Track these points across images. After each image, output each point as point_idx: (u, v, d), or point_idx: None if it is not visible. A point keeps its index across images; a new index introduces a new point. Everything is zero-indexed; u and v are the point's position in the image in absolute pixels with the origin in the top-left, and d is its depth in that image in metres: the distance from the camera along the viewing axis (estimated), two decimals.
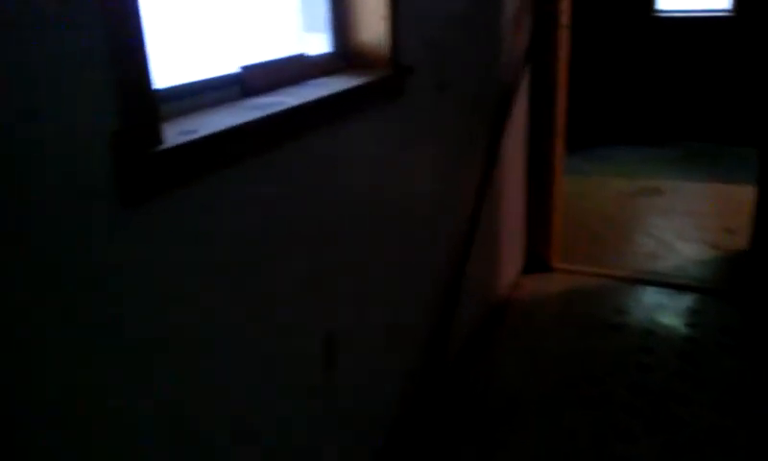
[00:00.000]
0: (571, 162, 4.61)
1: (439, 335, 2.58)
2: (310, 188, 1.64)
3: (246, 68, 1.55)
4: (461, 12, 2.50)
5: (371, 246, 1.99)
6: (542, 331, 3.18)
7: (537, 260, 3.77)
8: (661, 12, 6.15)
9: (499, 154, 3.01)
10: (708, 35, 6.00)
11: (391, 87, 1.99)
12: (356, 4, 1.91)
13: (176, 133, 1.19)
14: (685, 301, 3.39)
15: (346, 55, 1.96)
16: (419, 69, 2.12)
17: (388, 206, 2.08)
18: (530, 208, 3.70)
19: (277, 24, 1.81)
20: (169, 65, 1.33)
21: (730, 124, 6.05)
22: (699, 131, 6.19)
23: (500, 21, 2.92)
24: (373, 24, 1.92)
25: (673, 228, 4.34)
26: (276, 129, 1.46)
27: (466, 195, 2.75)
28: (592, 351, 2.97)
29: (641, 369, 2.83)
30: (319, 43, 1.92)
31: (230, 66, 1.53)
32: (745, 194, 4.78)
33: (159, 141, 1.12)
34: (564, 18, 3.37)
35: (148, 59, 1.08)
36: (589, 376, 2.80)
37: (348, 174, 1.82)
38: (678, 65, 6.14)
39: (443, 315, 2.60)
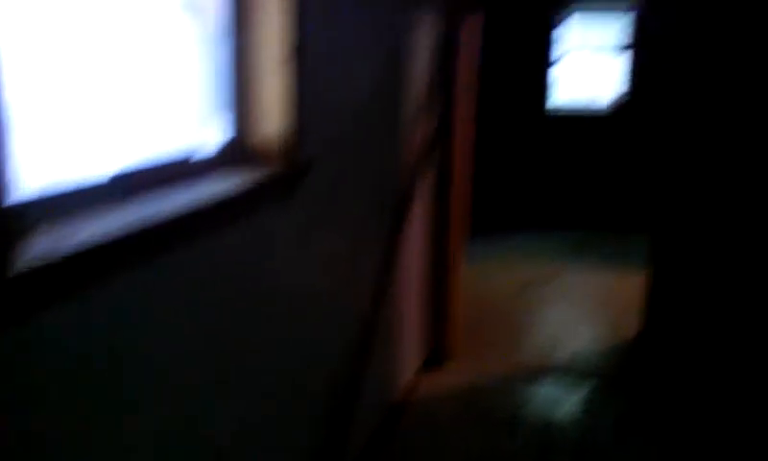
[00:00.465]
0: (473, 249, 4.66)
1: (333, 446, 2.43)
2: (192, 299, 1.49)
3: (128, 168, 1.42)
4: (364, 108, 2.46)
5: (257, 357, 1.84)
6: (441, 432, 3.09)
7: (437, 354, 3.71)
8: (554, 109, 6.52)
9: (400, 248, 2.97)
10: (595, 130, 6.42)
11: (290, 184, 1.90)
12: (257, 97, 1.83)
13: (36, 250, 1.03)
14: (582, 391, 3.42)
15: (244, 148, 1.86)
16: (320, 165, 2.05)
17: (277, 314, 1.95)
18: (430, 301, 3.66)
19: (173, 115, 1.69)
20: (40, 168, 1.18)
21: (621, 212, 6.41)
22: (593, 218, 6.51)
23: (403, 116, 2.92)
24: (274, 118, 1.83)
25: (570, 315, 4.43)
26: (158, 237, 1.32)
27: (365, 292, 2.67)
28: (491, 453, 2.89)
29: None
30: (216, 135, 1.81)
31: (112, 165, 1.38)
32: (636, 280, 4.98)
33: (12, 264, 0.96)
34: (467, 112, 3.43)
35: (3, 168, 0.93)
36: None
37: (240, 279, 1.69)
38: (571, 157, 6.51)
39: (337, 422, 2.46)
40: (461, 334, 3.82)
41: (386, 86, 2.70)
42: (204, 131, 1.77)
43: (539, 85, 6.49)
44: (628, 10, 6.17)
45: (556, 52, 6.43)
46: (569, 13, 6.38)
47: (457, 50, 3.31)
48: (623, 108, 6.33)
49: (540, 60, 6.44)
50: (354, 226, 2.51)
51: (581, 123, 6.49)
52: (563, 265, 5.49)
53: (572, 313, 4.50)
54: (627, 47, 6.27)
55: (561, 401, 3.33)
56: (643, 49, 6.17)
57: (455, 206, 3.53)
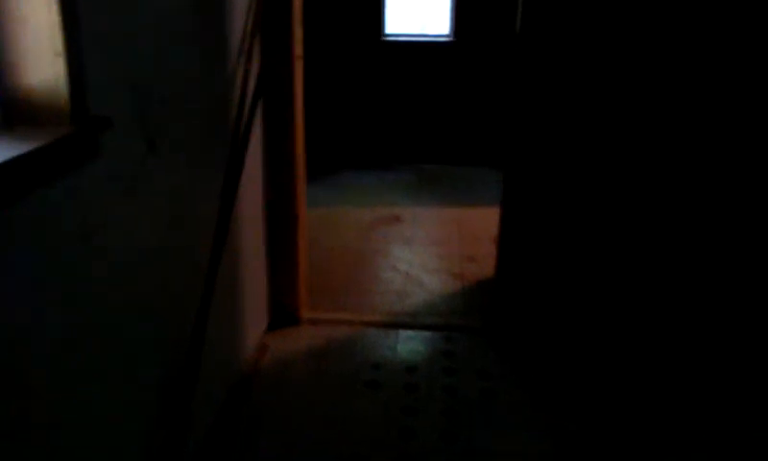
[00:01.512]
0: (310, 192, 4.32)
1: (175, 424, 2.06)
2: None
3: None
4: (177, 45, 2.00)
5: (75, 353, 1.43)
6: (296, 398, 2.79)
7: (284, 313, 3.40)
8: (389, 36, 6.18)
9: (235, 201, 2.57)
10: (432, 59, 6.17)
11: (78, 149, 1.45)
12: (14, 35, 1.33)
13: None
14: (439, 343, 3.27)
15: (4, 106, 1.37)
16: (121, 120, 1.60)
17: (96, 294, 1.52)
18: (272, 255, 3.31)
19: None
20: None
21: (459, 146, 6.29)
22: (431, 153, 6.35)
23: (227, 54, 2.48)
24: (45, 63, 1.36)
25: (417, 259, 4.27)
26: None
27: (198, 257, 2.27)
28: (352, 421, 2.65)
29: (406, 435, 2.58)
30: None
31: None
32: (478, 217, 4.95)
33: None
34: (298, 48, 3.04)
35: None
36: (351, 456, 2.48)
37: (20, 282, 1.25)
38: (407, 89, 6.24)
39: (178, 397, 2.09)
40: (307, 288, 3.52)
41: (203, 17, 2.24)
42: None
43: (373, 9, 6.11)
44: None
45: None
46: None
47: None
48: (458, 34, 6.14)
49: None
50: (182, 179, 2.09)
51: (416, 50, 6.21)
52: (406, 204, 5.33)
53: (420, 256, 4.34)
54: None
55: (418, 357, 3.15)
56: None
57: (295, 149, 3.16)
